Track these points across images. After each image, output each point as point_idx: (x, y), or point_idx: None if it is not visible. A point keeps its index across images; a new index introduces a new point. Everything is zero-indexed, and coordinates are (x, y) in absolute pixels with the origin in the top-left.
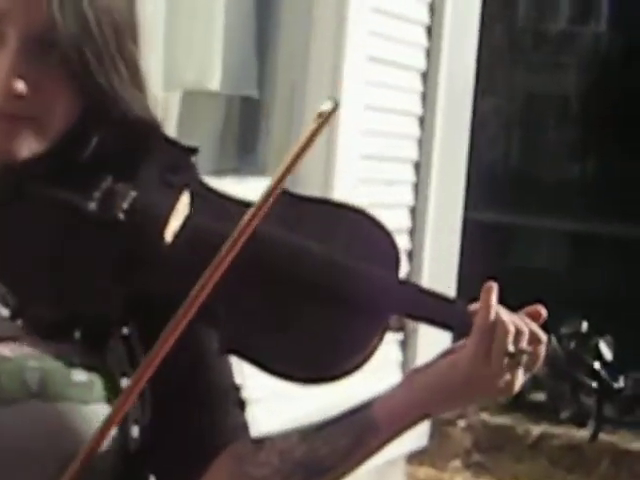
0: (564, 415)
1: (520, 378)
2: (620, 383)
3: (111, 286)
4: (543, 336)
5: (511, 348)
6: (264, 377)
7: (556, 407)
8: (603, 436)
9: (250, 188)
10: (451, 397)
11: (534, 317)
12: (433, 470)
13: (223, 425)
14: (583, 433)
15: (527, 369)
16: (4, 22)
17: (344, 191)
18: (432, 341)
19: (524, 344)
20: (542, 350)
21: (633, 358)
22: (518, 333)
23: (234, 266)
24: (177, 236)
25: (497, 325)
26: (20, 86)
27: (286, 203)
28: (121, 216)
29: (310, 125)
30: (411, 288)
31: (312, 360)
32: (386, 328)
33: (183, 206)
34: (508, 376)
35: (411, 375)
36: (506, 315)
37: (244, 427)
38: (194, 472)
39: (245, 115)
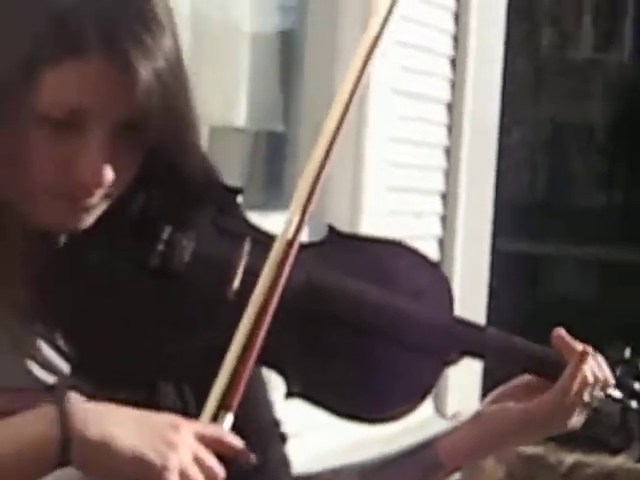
0: (614, 441)
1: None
2: None
3: (176, 341)
4: (611, 380)
5: (587, 398)
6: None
7: (606, 435)
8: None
9: (276, 222)
10: (518, 439)
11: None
12: None
13: (269, 460)
14: (617, 461)
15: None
16: (88, 115)
17: (372, 223)
18: (460, 368)
19: (598, 392)
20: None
21: None
22: (595, 382)
23: (295, 311)
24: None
25: (578, 378)
26: (109, 176)
27: (335, 243)
28: (183, 268)
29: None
30: (460, 324)
31: (376, 401)
32: (444, 367)
33: (244, 255)
34: (575, 417)
35: (480, 416)
36: (588, 366)
37: (286, 461)
38: None
39: (271, 150)
